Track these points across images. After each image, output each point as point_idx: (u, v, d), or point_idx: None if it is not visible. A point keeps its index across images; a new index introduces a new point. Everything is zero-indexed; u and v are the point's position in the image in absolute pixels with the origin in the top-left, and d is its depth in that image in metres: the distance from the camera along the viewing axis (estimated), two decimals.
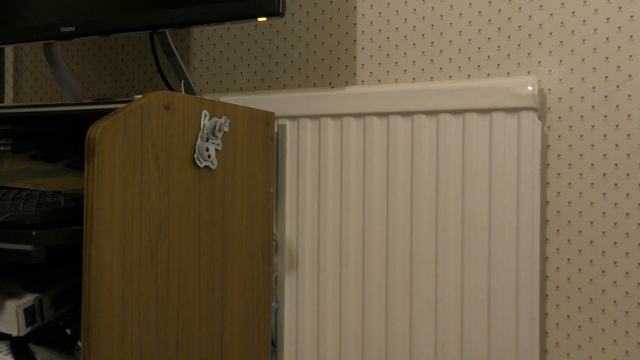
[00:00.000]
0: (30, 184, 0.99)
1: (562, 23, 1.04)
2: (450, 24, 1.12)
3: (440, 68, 1.13)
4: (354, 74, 1.21)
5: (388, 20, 1.17)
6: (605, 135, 1.01)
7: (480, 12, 1.10)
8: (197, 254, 0.93)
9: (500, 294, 1.01)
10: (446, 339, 1.05)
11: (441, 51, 1.13)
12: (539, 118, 1.01)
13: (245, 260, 1.04)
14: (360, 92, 1.12)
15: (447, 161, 1.05)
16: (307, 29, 1.25)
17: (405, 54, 1.16)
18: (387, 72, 1.17)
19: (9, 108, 1.08)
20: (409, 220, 1.08)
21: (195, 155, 0.91)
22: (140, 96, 0.84)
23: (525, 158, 1.00)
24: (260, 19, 1.01)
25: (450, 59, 1.12)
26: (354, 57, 1.21)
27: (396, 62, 1.17)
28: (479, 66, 1.10)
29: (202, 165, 0.93)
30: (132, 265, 0.82)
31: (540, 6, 1.06)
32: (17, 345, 0.95)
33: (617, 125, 1.00)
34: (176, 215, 0.89)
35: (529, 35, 1.07)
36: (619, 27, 1.01)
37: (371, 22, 1.19)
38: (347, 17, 1.21)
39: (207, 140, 0.94)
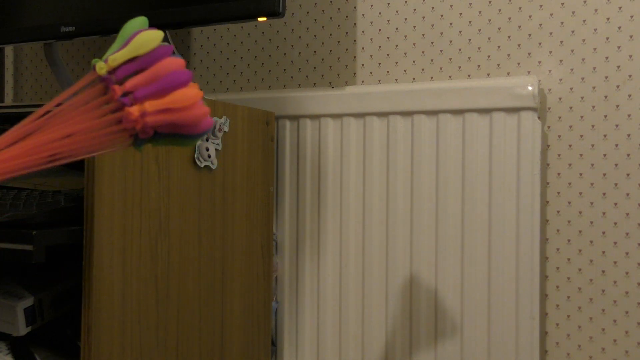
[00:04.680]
0: (30, 183, 0.99)
1: (562, 23, 1.04)
2: (450, 24, 1.12)
3: (440, 68, 1.13)
4: (354, 74, 1.21)
5: (388, 20, 1.17)
6: (605, 135, 1.01)
7: (480, 12, 1.10)
8: (197, 254, 0.93)
9: (500, 294, 1.01)
10: (446, 339, 1.05)
11: (441, 51, 1.13)
12: (539, 118, 1.00)
13: (245, 260, 1.04)
14: (360, 92, 1.12)
15: (447, 161, 1.05)
16: (307, 29, 1.25)
17: (405, 53, 1.16)
18: (387, 72, 1.17)
19: (9, 108, 1.08)
20: (409, 220, 1.08)
21: (195, 155, 0.91)
22: None
23: (525, 158, 1.00)
24: (260, 19, 1.01)
25: (450, 59, 1.12)
26: (354, 57, 1.21)
27: (396, 62, 1.17)
28: (479, 66, 1.10)
29: (202, 165, 0.93)
30: (132, 265, 0.82)
31: (540, 6, 1.06)
32: (17, 345, 0.95)
33: (617, 125, 1.00)
34: (176, 215, 0.89)
35: (529, 35, 1.06)
36: (619, 27, 1.01)
37: (371, 22, 1.19)
38: (347, 17, 1.21)
39: (207, 140, 0.94)
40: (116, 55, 0.51)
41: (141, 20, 0.54)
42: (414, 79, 1.15)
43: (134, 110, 0.50)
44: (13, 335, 0.92)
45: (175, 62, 0.52)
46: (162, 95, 0.51)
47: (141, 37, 0.52)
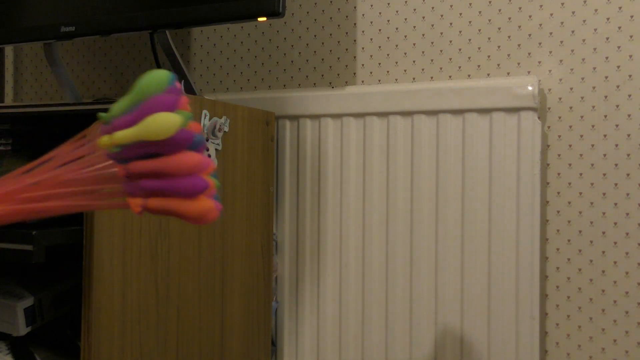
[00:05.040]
0: None
1: (562, 23, 1.04)
2: (450, 24, 1.12)
3: (440, 68, 1.13)
4: (354, 74, 1.21)
5: (388, 20, 1.17)
6: (605, 135, 1.01)
7: (480, 12, 1.10)
8: (197, 254, 0.93)
9: (500, 294, 1.01)
10: (446, 338, 1.05)
11: (441, 51, 1.13)
12: (539, 118, 1.00)
13: (245, 260, 1.04)
14: (360, 92, 1.12)
15: (447, 161, 1.05)
16: (307, 29, 1.25)
17: (405, 53, 1.16)
18: (387, 72, 1.17)
19: (9, 108, 1.08)
20: (409, 220, 1.08)
21: None
22: None
23: (525, 158, 1.00)
24: (260, 19, 1.01)
25: (450, 59, 1.12)
26: (354, 57, 1.20)
27: (396, 62, 1.17)
28: (479, 66, 1.10)
29: None
30: (132, 265, 0.82)
31: (540, 6, 1.06)
32: (17, 345, 0.95)
33: (617, 125, 1.00)
34: None
35: (529, 35, 1.06)
36: (619, 27, 1.01)
37: (371, 22, 1.19)
38: (347, 17, 1.21)
39: (207, 140, 0.94)
40: (125, 133, 0.43)
41: (161, 78, 0.45)
42: (414, 79, 1.15)
43: (137, 202, 0.44)
44: (13, 335, 0.92)
45: (194, 162, 0.44)
46: (172, 197, 0.44)
47: (157, 120, 0.43)
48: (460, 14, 1.12)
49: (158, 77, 0.44)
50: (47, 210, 0.46)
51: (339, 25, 1.22)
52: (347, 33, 1.21)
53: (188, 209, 0.44)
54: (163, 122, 0.43)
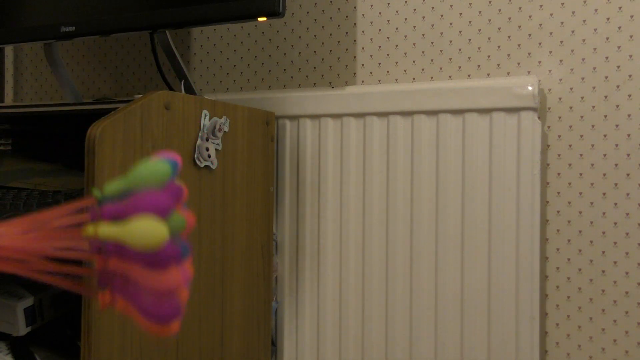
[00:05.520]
0: (30, 184, 0.99)
1: (562, 23, 1.04)
2: (450, 24, 1.12)
3: (440, 68, 1.13)
4: (354, 73, 1.21)
5: (388, 20, 1.17)
6: (605, 135, 1.01)
7: (480, 12, 1.10)
8: (197, 254, 0.93)
9: (500, 294, 1.01)
10: (446, 339, 1.05)
11: (441, 51, 1.13)
12: (539, 118, 1.00)
13: (245, 260, 1.04)
14: (360, 92, 1.12)
15: (447, 161, 1.05)
16: (307, 29, 1.25)
17: (405, 53, 1.16)
18: (387, 72, 1.17)
19: (9, 108, 1.08)
20: (409, 220, 1.08)
21: (195, 155, 0.91)
22: (140, 96, 0.84)
23: (525, 158, 1.00)
24: (260, 19, 1.01)
25: (450, 59, 1.12)
26: (354, 57, 1.20)
27: (396, 62, 1.17)
28: (479, 66, 1.10)
29: (202, 165, 0.93)
30: None
31: (540, 6, 1.06)
32: (17, 345, 0.95)
33: (617, 125, 1.00)
34: None
35: (529, 35, 1.06)
36: (619, 27, 1.01)
37: (371, 22, 1.19)
38: (347, 17, 1.21)
39: (207, 140, 0.94)
40: (109, 231, 0.41)
41: (163, 172, 0.43)
42: (414, 79, 1.15)
43: (105, 297, 0.43)
44: (13, 335, 0.92)
45: (171, 286, 0.41)
46: (145, 308, 0.42)
47: (143, 229, 0.41)
48: (460, 14, 1.12)
49: (159, 170, 0.42)
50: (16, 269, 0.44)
51: (339, 25, 1.22)
52: (347, 33, 1.21)
53: (149, 327, 0.43)
54: (148, 234, 0.40)
